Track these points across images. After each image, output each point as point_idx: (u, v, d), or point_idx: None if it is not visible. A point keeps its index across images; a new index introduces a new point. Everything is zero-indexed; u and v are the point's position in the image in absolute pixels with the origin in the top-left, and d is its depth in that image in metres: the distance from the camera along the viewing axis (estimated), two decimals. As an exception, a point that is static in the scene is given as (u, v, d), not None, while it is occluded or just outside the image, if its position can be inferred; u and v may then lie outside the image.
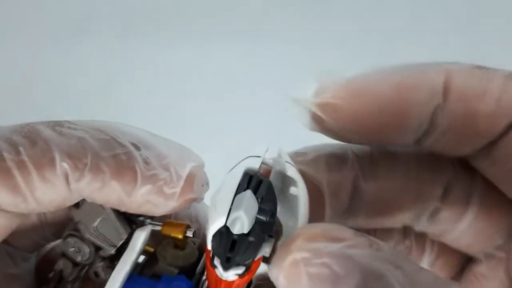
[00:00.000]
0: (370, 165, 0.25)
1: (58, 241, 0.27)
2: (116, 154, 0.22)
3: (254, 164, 0.22)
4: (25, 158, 0.21)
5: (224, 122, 0.71)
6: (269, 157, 0.23)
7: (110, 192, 0.22)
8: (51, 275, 0.26)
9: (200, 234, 0.27)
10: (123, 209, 0.23)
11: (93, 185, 0.22)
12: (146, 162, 0.22)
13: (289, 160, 0.22)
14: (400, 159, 0.25)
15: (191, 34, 0.78)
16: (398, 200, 0.25)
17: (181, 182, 0.22)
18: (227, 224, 0.20)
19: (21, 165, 0.21)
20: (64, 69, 0.76)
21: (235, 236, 0.20)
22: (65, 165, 0.21)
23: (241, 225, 0.20)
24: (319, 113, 0.22)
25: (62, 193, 0.22)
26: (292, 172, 0.22)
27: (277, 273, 0.19)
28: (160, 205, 0.22)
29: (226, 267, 0.20)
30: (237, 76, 0.74)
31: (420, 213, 0.25)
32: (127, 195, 0.22)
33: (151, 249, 0.26)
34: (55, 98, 0.73)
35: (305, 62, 0.68)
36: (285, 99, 0.23)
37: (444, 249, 0.26)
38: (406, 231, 0.26)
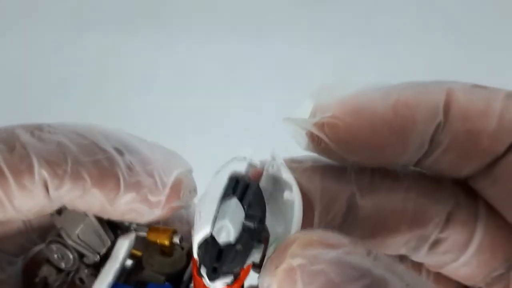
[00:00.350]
0: (369, 181, 0.23)
1: (45, 244, 0.27)
2: (98, 159, 0.21)
3: (240, 167, 0.21)
4: (2, 164, 0.21)
5: (223, 120, 0.70)
6: (255, 159, 0.22)
7: (92, 200, 0.21)
8: (36, 280, 0.25)
9: (190, 237, 0.26)
10: (105, 216, 0.22)
11: (74, 192, 0.21)
12: (130, 168, 0.21)
13: (283, 163, 0.21)
14: (400, 179, 0.24)
15: (190, 31, 0.77)
16: (395, 221, 0.24)
17: (167, 190, 0.21)
18: (213, 234, 0.19)
19: None
20: (60, 65, 0.75)
21: (221, 245, 0.19)
22: (44, 172, 0.21)
23: (227, 234, 0.19)
24: (318, 133, 0.21)
25: (41, 201, 0.21)
26: (287, 175, 0.21)
27: (270, 281, 0.18)
28: (145, 214, 0.22)
29: (212, 278, 0.19)
30: (236, 74, 0.74)
31: (419, 244, 0.24)
32: (110, 203, 0.21)
33: (139, 253, 0.25)
34: (51, 94, 0.73)
35: (306, 60, 0.67)
36: (282, 119, 0.23)
37: (440, 277, 0.25)
38: (402, 257, 0.25)
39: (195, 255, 0.20)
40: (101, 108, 0.70)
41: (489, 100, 0.21)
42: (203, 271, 0.19)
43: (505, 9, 0.75)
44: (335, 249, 0.17)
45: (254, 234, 0.20)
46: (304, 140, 0.22)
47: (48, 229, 0.25)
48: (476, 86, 0.22)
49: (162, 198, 0.21)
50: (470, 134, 0.21)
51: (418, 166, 0.23)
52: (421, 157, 0.22)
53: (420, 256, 0.24)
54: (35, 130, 0.22)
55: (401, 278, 0.17)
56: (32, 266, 0.27)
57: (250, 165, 0.21)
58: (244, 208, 0.19)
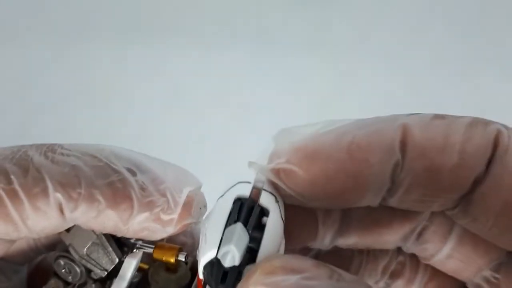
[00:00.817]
0: None
1: (50, 253, 0.27)
2: (111, 181, 0.21)
3: (245, 190, 0.21)
4: (17, 187, 0.21)
5: (222, 132, 0.70)
6: (259, 181, 0.22)
7: (106, 220, 0.21)
8: (44, 289, 0.25)
9: (194, 251, 0.27)
10: (119, 235, 0.22)
11: (88, 214, 0.21)
12: (142, 188, 0.21)
13: (266, 186, 0.22)
14: None
15: (192, 39, 0.77)
16: (387, 218, 0.24)
17: (179, 209, 0.22)
18: (218, 257, 0.19)
19: (13, 194, 0.21)
20: (62, 75, 0.75)
21: (226, 267, 0.19)
22: (58, 195, 0.21)
23: (232, 258, 0.19)
24: (274, 180, 0.21)
25: (55, 222, 0.22)
26: (265, 201, 0.21)
27: None
28: (158, 232, 0.22)
29: None
30: (234, 86, 0.74)
31: (408, 234, 0.24)
32: (124, 223, 0.21)
33: (145, 267, 0.26)
34: (53, 101, 0.73)
35: (306, 69, 0.67)
36: (247, 163, 0.22)
37: (437, 273, 0.26)
38: (400, 250, 0.26)
39: (200, 276, 0.20)
40: (104, 117, 0.70)
41: (448, 133, 0.20)
42: None
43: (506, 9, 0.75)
44: (296, 274, 0.18)
45: (258, 254, 0.20)
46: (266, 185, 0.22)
47: (54, 240, 0.26)
48: (435, 117, 0.21)
49: (175, 216, 0.22)
50: (429, 171, 0.20)
51: (386, 204, 0.22)
52: (385, 195, 0.21)
53: (409, 246, 0.25)
54: (48, 152, 0.22)
55: None
56: (37, 273, 0.27)
57: (255, 189, 0.22)
58: (248, 232, 0.20)
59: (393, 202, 0.22)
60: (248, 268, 0.19)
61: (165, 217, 0.22)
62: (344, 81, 0.72)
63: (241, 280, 0.19)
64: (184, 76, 0.74)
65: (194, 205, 0.22)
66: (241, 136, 0.67)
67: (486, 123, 0.21)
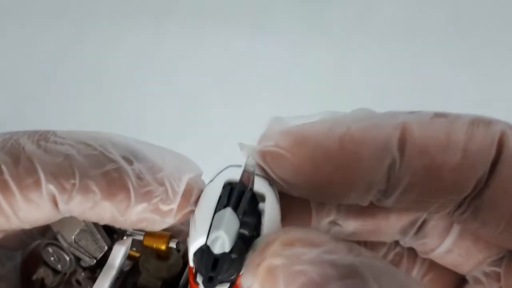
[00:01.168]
0: None
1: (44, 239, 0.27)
2: (107, 171, 0.20)
3: (235, 174, 0.21)
4: (7, 177, 0.20)
5: (218, 118, 0.70)
6: (250, 164, 0.21)
7: (102, 212, 0.21)
8: (33, 278, 0.25)
9: (186, 237, 0.26)
10: (117, 226, 0.22)
11: (84, 205, 0.20)
12: (140, 178, 0.20)
13: (258, 171, 0.21)
14: None
15: (186, 28, 0.76)
16: (383, 213, 0.23)
17: (178, 198, 0.21)
18: (208, 244, 0.19)
19: (3, 186, 0.20)
20: (54, 57, 0.74)
21: (216, 254, 0.19)
22: (51, 186, 0.20)
23: (222, 244, 0.19)
24: (260, 162, 0.21)
25: (48, 214, 0.21)
26: (259, 186, 0.20)
27: (252, 280, 0.18)
28: (157, 222, 0.21)
29: (209, 287, 0.19)
30: (234, 73, 0.73)
31: (409, 229, 0.24)
32: (121, 214, 0.21)
33: (136, 254, 0.25)
34: (46, 86, 0.72)
35: (303, 60, 0.67)
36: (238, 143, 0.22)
37: (435, 265, 0.25)
38: (397, 242, 0.25)
39: (191, 263, 0.20)
40: (97, 105, 0.69)
41: (450, 131, 0.20)
42: (199, 279, 0.19)
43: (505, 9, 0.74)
44: (316, 248, 0.17)
45: (250, 241, 0.20)
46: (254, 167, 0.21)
47: (49, 225, 0.25)
48: (436, 115, 0.20)
49: (174, 206, 0.21)
50: (429, 170, 0.20)
51: (381, 205, 0.21)
52: (379, 197, 0.21)
53: (407, 240, 0.24)
54: (41, 140, 0.21)
55: (383, 273, 0.16)
56: (31, 260, 0.27)
57: (246, 172, 0.21)
58: (239, 217, 0.19)
59: (388, 203, 0.21)
60: (260, 239, 0.19)
61: (164, 207, 0.21)
62: (343, 62, 0.71)
63: (255, 250, 0.18)
64: (179, 58, 0.73)
65: (194, 194, 0.21)
66: (239, 122, 0.66)
67: (489, 122, 0.20)
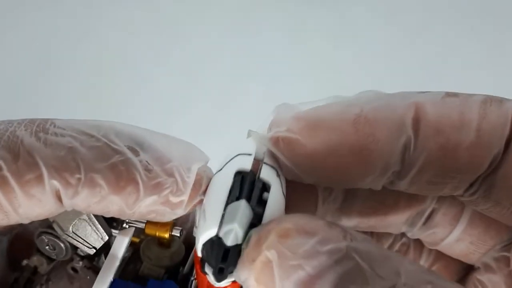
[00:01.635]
0: None
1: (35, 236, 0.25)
2: (113, 163, 0.19)
3: (245, 163, 0.20)
4: (6, 173, 0.19)
5: (225, 116, 0.68)
6: (259, 152, 0.20)
7: (110, 205, 0.19)
8: (24, 263, 0.24)
9: (187, 223, 0.25)
10: (124, 218, 0.21)
11: (90, 200, 0.19)
12: (148, 170, 0.19)
13: (266, 159, 0.20)
14: None
15: (183, 30, 0.74)
16: (393, 198, 0.23)
17: (189, 190, 0.20)
18: (220, 235, 0.18)
19: (1, 181, 0.19)
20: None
21: (227, 246, 0.18)
22: (54, 182, 0.19)
23: (235, 237, 0.18)
24: (273, 149, 0.20)
25: (50, 209, 0.20)
26: (265, 175, 0.20)
27: (247, 274, 0.17)
28: (167, 214, 0.20)
29: (219, 278, 0.19)
30: (236, 72, 0.71)
31: (416, 220, 0.23)
32: (129, 208, 0.19)
33: (136, 240, 0.24)
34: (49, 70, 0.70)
35: (298, 57, 0.66)
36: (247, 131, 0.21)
37: (442, 255, 0.25)
38: (403, 234, 0.25)
39: (199, 253, 0.19)
40: (102, 100, 0.68)
41: (463, 110, 0.19)
42: (209, 270, 0.19)
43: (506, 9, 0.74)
44: (310, 237, 0.17)
45: None
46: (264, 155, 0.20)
47: None
48: (448, 95, 0.20)
49: (185, 198, 0.20)
50: (445, 149, 0.19)
51: (394, 188, 0.21)
52: (393, 178, 0.20)
53: (415, 231, 0.24)
54: (39, 132, 0.19)
55: (378, 260, 0.16)
56: (17, 243, 0.25)
57: (255, 160, 0.20)
58: (252, 209, 0.19)
59: (403, 185, 0.21)
60: (255, 231, 0.18)
61: (174, 199, 0.20)
62: (345, 35, 0.71)
63: (249, 243, 0.18)
64: (177, 35, 0.72)
65: (203, 183, 0.20)
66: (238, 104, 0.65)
67: (500, 100, 0.20)
